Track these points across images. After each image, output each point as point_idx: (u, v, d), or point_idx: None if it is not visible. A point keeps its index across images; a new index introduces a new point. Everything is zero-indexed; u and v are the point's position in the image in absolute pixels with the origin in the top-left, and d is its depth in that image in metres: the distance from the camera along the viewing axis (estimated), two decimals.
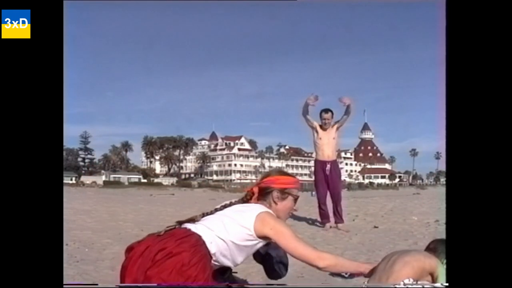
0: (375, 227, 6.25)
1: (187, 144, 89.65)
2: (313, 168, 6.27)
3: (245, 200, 1.90)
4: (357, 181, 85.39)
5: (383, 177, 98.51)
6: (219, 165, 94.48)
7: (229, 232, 1.72)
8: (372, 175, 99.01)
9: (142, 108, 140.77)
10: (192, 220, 1.79)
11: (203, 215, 1.82)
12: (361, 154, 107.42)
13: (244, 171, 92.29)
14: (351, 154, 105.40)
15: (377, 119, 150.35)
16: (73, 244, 4.53)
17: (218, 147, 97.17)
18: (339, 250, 4.53)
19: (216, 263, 1.73)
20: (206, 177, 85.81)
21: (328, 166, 5.88)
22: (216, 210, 1.84)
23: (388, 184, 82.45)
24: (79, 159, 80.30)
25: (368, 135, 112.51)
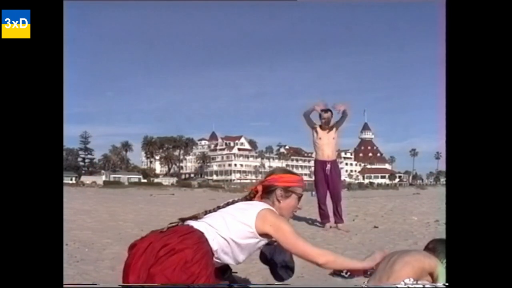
0: (375, 227, 6.26)
1: (187, 144, 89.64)
2: (313, 168, 6.27)
3: (249, 198, 1.90)
4: (357, 181, 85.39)
5: (383, 177, 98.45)
6: (219, 165, 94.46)
7: (230, 229, 1.73)
8: (372, 175, 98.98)
9: (142, 108, 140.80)
10: (195, 217, 1.80)
11: (206, 212, 1.83)
12: (361, 154, 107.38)
13: (244, 171, 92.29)
14: (351, 154, 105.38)
15: (377, 119, 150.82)
16: (73, 244, 4.54)
17: (218, 147, 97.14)
18: (339, 250, 4.53)
19: (217, 260, 1.74)
20: (206, 177, 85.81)
21: (328, 166, 5.89)
22: (219, 208, 1.85)
23: (388, 184, 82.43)
24: (79, 159, 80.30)
25: (368, 135, 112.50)
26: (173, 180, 69.32)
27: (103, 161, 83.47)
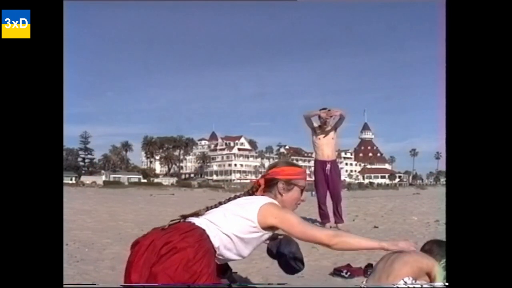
0: (375, 227, 6.26)
1: (187, 144, 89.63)
2: (313, 168, 6.27)
3: (251, 192, 1.90)
4: (357, 181, 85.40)
5: (383, 177, 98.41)
6: (219, 165, 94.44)
7: (231, 225, 1.72)
8: (372, 175, 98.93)
9: (142, 108, 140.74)
10: (196, 214, 1.79)
11: (207, 209, 1.82)
12: (361, 154, 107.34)
13: (244, 171, 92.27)
14: (351, 154, 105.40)
15: (377, 119, 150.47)
16: (73, 244, 4.54)
17: (218, 147, 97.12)
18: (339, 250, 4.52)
19: (220, 257, 1.73)
20: (206, 177, 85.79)
21: (328, 166, 5.88)
22: (220, 203, 1.85)
23: (388, 184, 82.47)
24: (79, 159, 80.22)
25: (368, 135, 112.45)
26: (173, 180, 69.31)
27: (103, 161, 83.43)
